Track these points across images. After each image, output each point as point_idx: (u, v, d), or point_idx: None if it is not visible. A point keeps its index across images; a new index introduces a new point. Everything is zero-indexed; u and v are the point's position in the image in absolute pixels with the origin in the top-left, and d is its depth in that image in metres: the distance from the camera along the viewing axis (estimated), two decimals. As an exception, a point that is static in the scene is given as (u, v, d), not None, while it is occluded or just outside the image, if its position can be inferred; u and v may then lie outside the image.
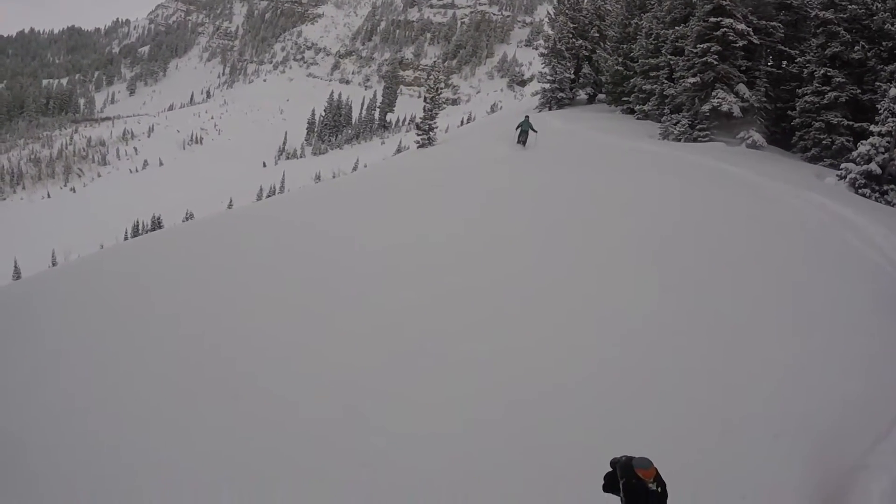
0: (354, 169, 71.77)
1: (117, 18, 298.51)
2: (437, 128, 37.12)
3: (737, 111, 22.73)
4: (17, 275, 56.56)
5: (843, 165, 17.88)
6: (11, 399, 5.17)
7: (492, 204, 12.05)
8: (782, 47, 24.55)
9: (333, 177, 53.78)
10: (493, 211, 11.13)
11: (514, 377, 5.96)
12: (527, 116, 24.29)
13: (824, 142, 21.02)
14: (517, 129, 23.46)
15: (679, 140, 23.22)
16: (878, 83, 20.31)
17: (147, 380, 5.12)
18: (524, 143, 23.09)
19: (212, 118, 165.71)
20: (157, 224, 68.19)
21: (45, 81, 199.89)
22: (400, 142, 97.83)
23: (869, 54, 21.13)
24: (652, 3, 31.52)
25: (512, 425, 5.25)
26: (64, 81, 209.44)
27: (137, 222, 73.84)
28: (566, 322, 6.86)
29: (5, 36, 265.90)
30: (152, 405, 4.79)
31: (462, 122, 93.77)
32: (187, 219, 60.83)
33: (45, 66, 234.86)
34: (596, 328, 7.05)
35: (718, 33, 22.94)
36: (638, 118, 29.38)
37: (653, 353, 6.70)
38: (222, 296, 6.72)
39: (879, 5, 21.77)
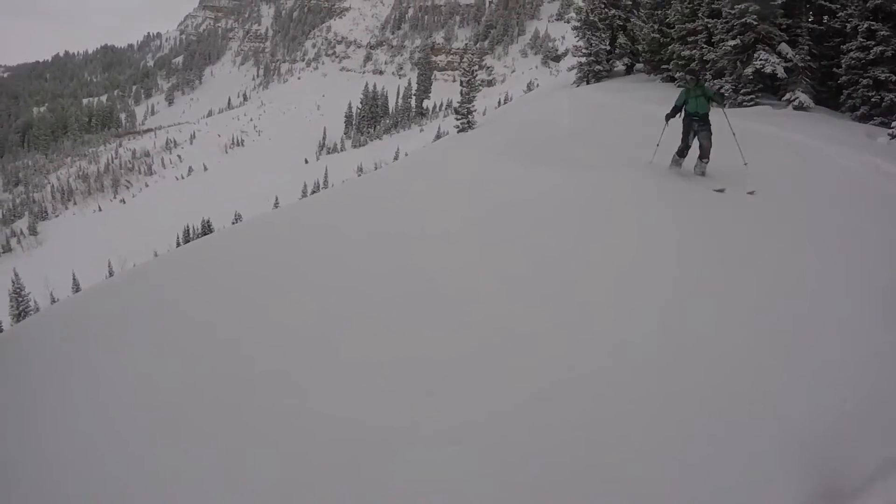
0: (395, 158, 71.81)
1: (148, 33, 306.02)
2: (475, 111, 36.77)
3: (781, 72, 21.62)
4: (76, 287, 58.32)
5: (894, 123, 17.08)
6: (48, 409, 5.09)
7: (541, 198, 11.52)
8: (823, 2, 23.07)
9: (375, 168, 53.98)
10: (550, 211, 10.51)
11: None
12: (695, 81, 12.09)
13: (873, 99, 19.95)
14: (670, 118, 11.72)
15: (724, 106, 22.36)
16: None
17: (187, 388, 4.97)
18: (702, 157, 11.41)
19: (251, 120, 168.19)
20: (207, 227, 69.16)
21: (85, 100, 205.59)
22: (439, 127, 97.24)
23: None
24: None
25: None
26: (104, 98, 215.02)
27: (188, 227, 75.08)
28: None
29: (42, 61, 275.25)
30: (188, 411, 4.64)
31: (499, 102, 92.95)
32: (236, 220, 61.69)
33: (84, 85, 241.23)
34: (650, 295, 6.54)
35: None
36: (679, 86, 27.17)
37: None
38: (263, 303, 6.52)
39: (923, -49, 20.77)
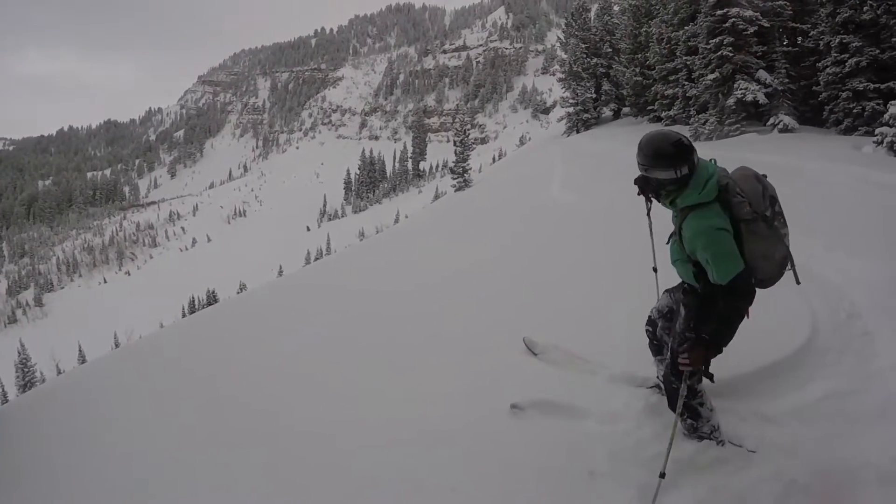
0: (396, 221, 72.57)
1: (150, 108, 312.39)
2: (470, 169, 37.87)
3: (762, 98, 22.26)
4: (82, 358, 58.76)
5: (878, 131, 17.12)
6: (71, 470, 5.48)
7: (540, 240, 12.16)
8: (794, 24, 23.93)
9: (377, 232, 54.80)
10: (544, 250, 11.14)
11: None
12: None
13: (855, 110, 20.38)
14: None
15: (711, 139, 22.96)
16: (894, 39, 19.75)
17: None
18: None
19: (252, 190, 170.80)
20: (212, 298, 69.68)
21: (89, 174, 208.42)
22: (437, 187, 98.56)
23: (879, 12, 20.30)
24: (657, 8, 31.53)
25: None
26: (107, 172, 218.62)
27: (193, 298, 75.70)
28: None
29: (47, 135, 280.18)
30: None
31: (494, 158, 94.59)
32: (241, 290, 62.46)
33: (88, 159, 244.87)
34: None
35: (728, 24, 22.77)
36: (666, 124, 28.04)
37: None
38: (266, 368, 7.06)
39: (881, -42, 21.44)
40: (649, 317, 4.39)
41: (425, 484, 3.95)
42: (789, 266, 3.59)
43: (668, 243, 3.82)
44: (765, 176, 3.58)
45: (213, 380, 7.05)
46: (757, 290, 3.46)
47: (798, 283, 3.64)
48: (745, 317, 3.45)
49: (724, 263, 3.30)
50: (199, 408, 6.22)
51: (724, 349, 3.44)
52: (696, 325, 3.58)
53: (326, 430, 4.96)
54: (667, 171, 3.42)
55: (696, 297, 3.67)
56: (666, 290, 4.26)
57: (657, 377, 4.49)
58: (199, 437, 5.47)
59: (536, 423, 4.44)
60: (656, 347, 4.42)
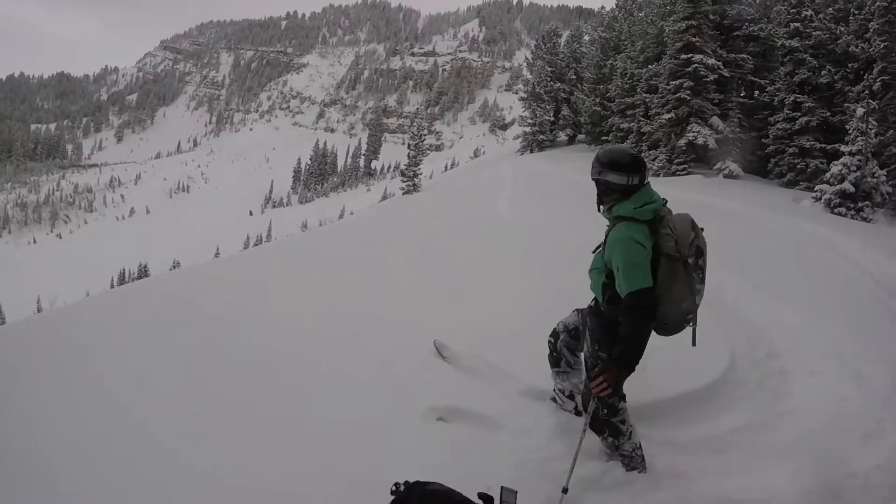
0: (341, 216, 71.98)
1: (106, 66, 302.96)
2: (421, 174, 37.94)
3: (712, 143, 23.11)
4: (1, 320, 56.40)
5: (817, 187, 18.18)
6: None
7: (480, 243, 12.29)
8: (753, 78, 25.14)
9: (320, 225, 54.00)
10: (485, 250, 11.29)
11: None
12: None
13: (799, 166, 21.57)
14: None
15: (658, 175, 23.53)
16: (846, 104, 20.92)
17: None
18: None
19: (199, 167, 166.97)
20: (143, 272, 67.97)
21: (33, 126, 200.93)
22: (385, 188, 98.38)
23: (836, 77, 21.94)
24: (625, 43, 32.38)
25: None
26: (52, 127, 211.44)
27: (124, 270, 73.63)
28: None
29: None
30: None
31: (446, 167, 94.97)
32: (174, 267, 61.00)
33: (34, 110, 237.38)
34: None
35: (690, 69, 23.52)
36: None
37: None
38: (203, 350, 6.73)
39: (843, 28, 22.92)
40: (554, 329, 4.38)
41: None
42: (691, 323, 3.59)
43: (593, 251, 3.86)
44: (702, 230, 3.64)
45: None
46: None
47: (694, 344, 3.64)
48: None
49: (633, 275, 3.31)
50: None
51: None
52: (600, 347, 3.68)
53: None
54: (620, 177, 3.52)
55: (598, 319, 3.76)
56: (576, 309, 4.27)
57: (553, 390, 4.53)
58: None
59: (449, 429, 4.41)
60: (554, 359, 4.42)
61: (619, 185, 3.51)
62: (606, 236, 3.58)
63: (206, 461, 4.05)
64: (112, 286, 61.64)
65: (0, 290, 71.32)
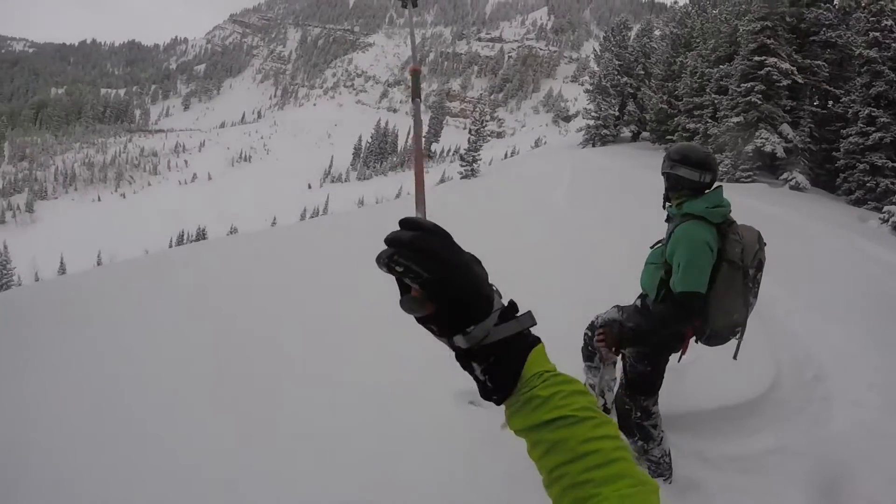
0: (398, 196, 72.39)
1: (176, 36, 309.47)
2: (480, 160, 37.89)
3: (780, 152, 22.01)
4: (62, 270, 58.65)
5: (886, 208, 17.05)
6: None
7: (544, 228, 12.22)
8: (827, 87, 23.74)
9: (376, 202, 54.39)
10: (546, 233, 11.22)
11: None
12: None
13: (868, 184, 20.13)
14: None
15: (721, 180, 21.95)
16: None
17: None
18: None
19: (261, 138, 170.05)
20: (201, 235, 69.70)
21: (103, 91, 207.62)
22: (444, 171, 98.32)
23: None
24: (697, 41, 31.43)
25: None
26: (122, 92, 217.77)
27: (183, 232, 75.63)
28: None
29: (68, 44, 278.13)
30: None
31: (506, 154, 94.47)
32: (231, 233, 62.32)
33: (105, 75, 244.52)
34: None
35: (763, 72, 22.55)
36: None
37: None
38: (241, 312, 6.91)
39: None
40: (592, 322, 4.35)
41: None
42: (738, 336, 3.55)
43: (651, 247, 3.77)
44: (765, 244, 3.56)
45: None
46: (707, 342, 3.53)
47: (735, 357, 3.60)
48: (681, 352, 3.54)
49: (692, 275, 3.26)
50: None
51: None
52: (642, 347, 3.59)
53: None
54: (692, 172, 3.45)
55: (643, 319, 3.68)
56: (616, 306, 4.18)
57: (584, 384, 4.36)
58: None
59: (478, 412, 4.40)
60: (588, 353, 4.42)
61: (690, 182, 3.46)
62: (669, 233, 3.52)
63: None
64: (170, 246, 63.43)
65: (63, 243, 74.21)
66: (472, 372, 0.97)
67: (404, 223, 0.91)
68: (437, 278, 0.87)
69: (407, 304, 0.90)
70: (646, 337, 3.40)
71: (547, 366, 0.99)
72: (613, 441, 0.91)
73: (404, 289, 0.93)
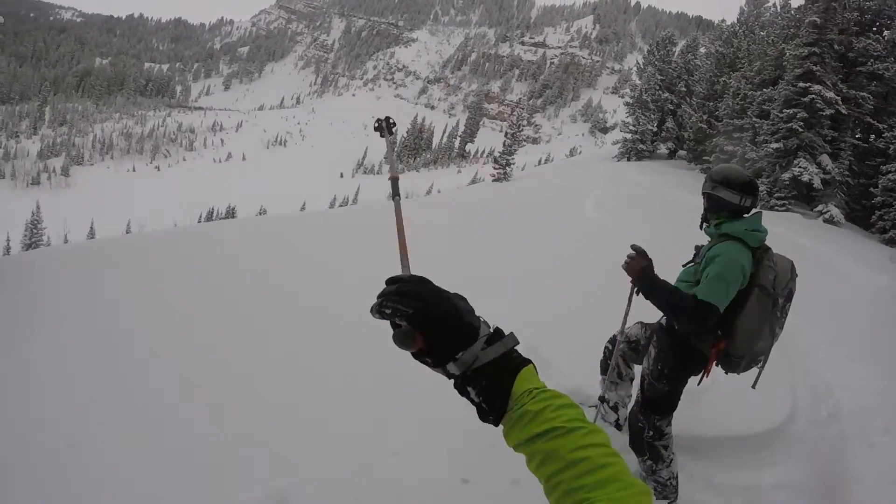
0: (428, 193, 72.39)
1: (222, 17, 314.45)
2: (514, 164, 37.84)
3: (818, 182, 21.40)
4: (91, 235, 59.60)
5: None
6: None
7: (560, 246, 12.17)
8: (871, 120, 22.92)
9: (406, 197, 54.65)
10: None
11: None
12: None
13: None
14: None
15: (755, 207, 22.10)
16: None
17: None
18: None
19: (298, 123, 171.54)
20: (230, 213, 70.29)
21: (146, 65, 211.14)
22: (476, 173, 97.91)
23: None
24: (742, 62, 30.89)
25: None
26: (164, 67, 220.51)
27: (213, 209, 76.35)
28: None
29: (116, 17, 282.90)
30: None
31: (540, 161, 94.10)
32: (260, 213, 62.82)
33: (149, 50, 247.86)
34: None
35: (806, 99, 21.94)
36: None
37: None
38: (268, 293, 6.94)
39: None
40: (613, 335, 4.34)
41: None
42: (759, 365, 3.52)
43: (684, 265, 3.74)
44: (796, 275, 3.53)
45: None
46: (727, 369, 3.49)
47: (754, 387, 3.56)
48: (703, 374, 3.50)
49: (716, 288, 3.19)
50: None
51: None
52: (664, 366, 3.57)
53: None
54: (733, 195, 3.44)
55: (670, 338, 3.61)
56: (640, 322, 4.18)
57: (599, 397, 4.41)
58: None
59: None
60: (606, 366, 4.41)
61: (730, 204, 3.45)
62: (704, 252, 3.48)
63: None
64: (199, 221, 64.16)
65: (95, 208, 75.34)
66: (468, 397, 1.09)
67: (389, 280, 1.08)
68: (418, 310, 1.02)
69: (398, 337, 1.03)
70: (653, 293, 3.39)
71: (536, 383, 1.09)
72: (602, 448, 0.98)
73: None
